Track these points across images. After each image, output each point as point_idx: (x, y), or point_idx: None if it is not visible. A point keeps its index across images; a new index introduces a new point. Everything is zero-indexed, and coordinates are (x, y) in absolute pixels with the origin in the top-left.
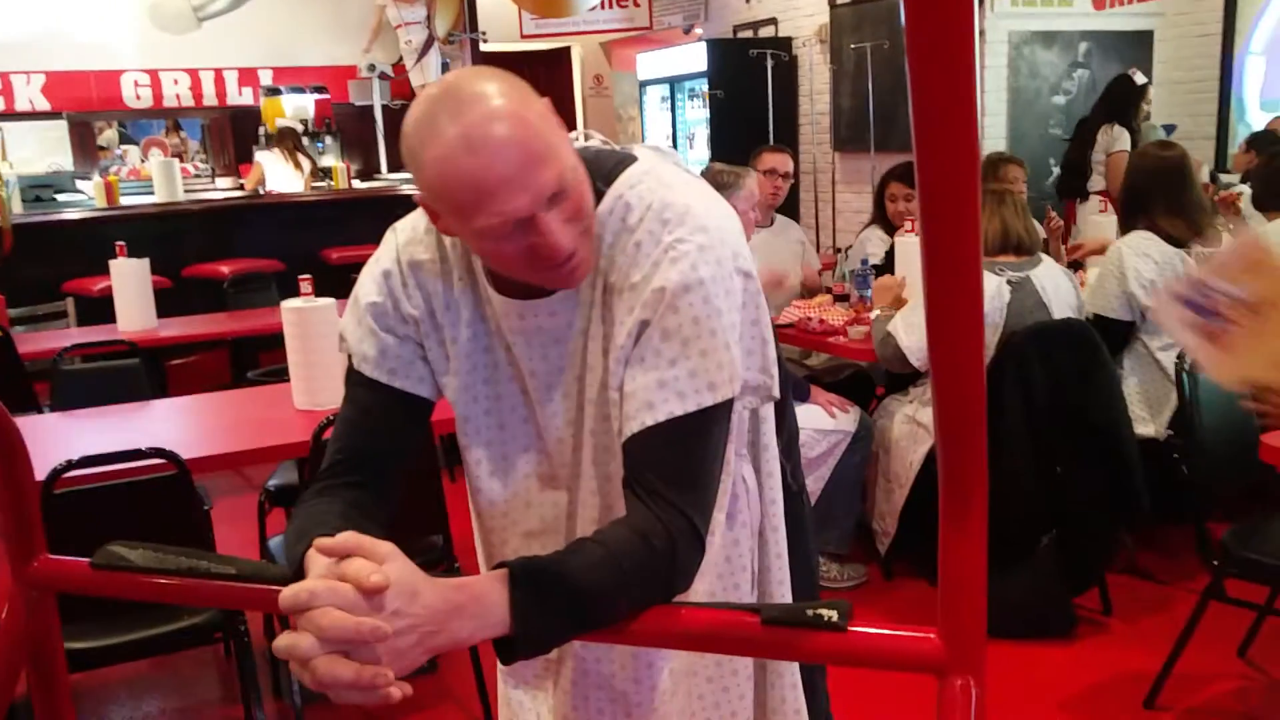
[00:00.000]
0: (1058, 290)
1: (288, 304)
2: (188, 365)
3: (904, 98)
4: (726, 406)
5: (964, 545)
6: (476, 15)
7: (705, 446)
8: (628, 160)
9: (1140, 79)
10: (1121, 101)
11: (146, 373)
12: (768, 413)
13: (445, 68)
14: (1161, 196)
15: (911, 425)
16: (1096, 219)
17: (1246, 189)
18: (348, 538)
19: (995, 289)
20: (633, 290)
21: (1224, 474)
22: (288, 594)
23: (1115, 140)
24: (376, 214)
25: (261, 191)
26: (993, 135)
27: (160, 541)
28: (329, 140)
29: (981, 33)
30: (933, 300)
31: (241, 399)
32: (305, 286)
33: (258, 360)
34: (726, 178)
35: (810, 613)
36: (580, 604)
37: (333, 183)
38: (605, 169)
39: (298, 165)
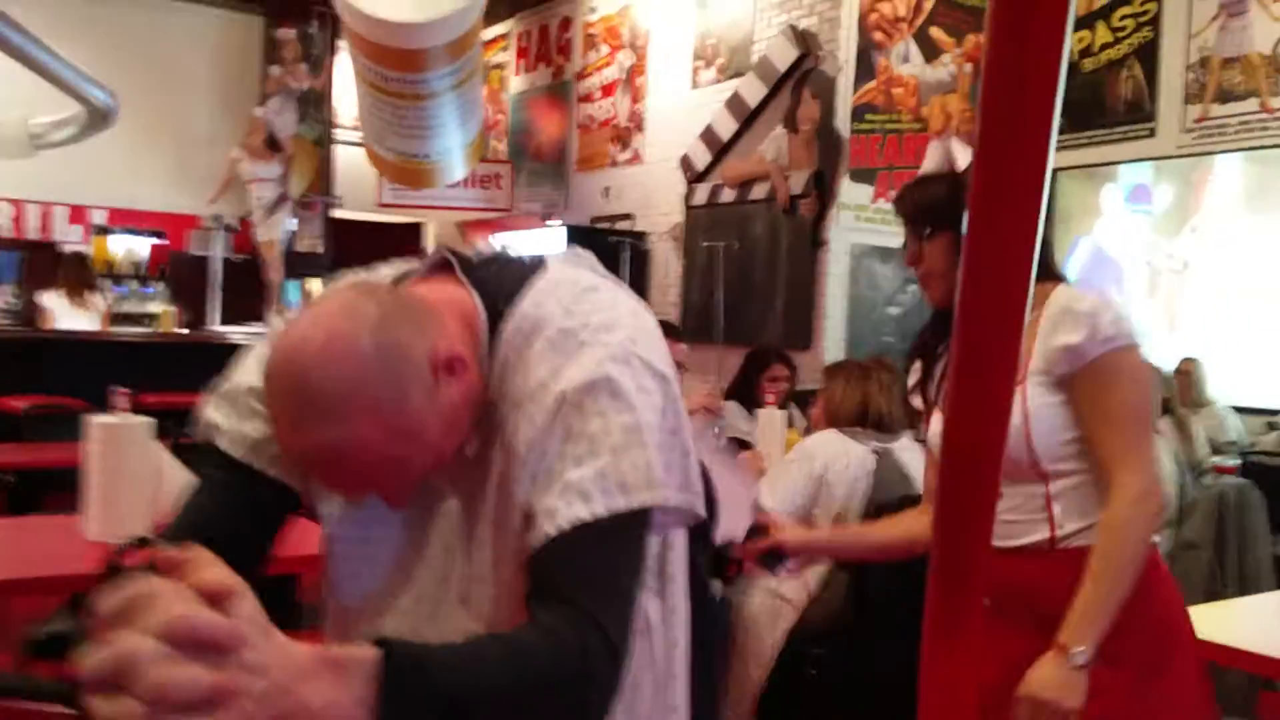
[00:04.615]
0: (919, 466)
1: (96, 419)
2: None
3: (751, 295)
4: (644, 514)
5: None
6: (333, 179)
7: (619, 555)
8: (536, 273)
9: None
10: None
11: None
12: (675, 539)
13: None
14: None
15: (773, 599)
16: None
17: None
18: (196, 548)
19: (861, 455)
20: (532, 400)
21: None
22: (114, 596)
23: None
24: (203, 361)
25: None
26: (832, 339)
27: None
28: (160, 286)
29: (826, 242)
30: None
31: (17, 528)
32: (122, 400)
33: (41, 503)
34: None
35: None
36: (468, 698)
37: (160, 327)
38: (508, 286)
39: (83, 306)
